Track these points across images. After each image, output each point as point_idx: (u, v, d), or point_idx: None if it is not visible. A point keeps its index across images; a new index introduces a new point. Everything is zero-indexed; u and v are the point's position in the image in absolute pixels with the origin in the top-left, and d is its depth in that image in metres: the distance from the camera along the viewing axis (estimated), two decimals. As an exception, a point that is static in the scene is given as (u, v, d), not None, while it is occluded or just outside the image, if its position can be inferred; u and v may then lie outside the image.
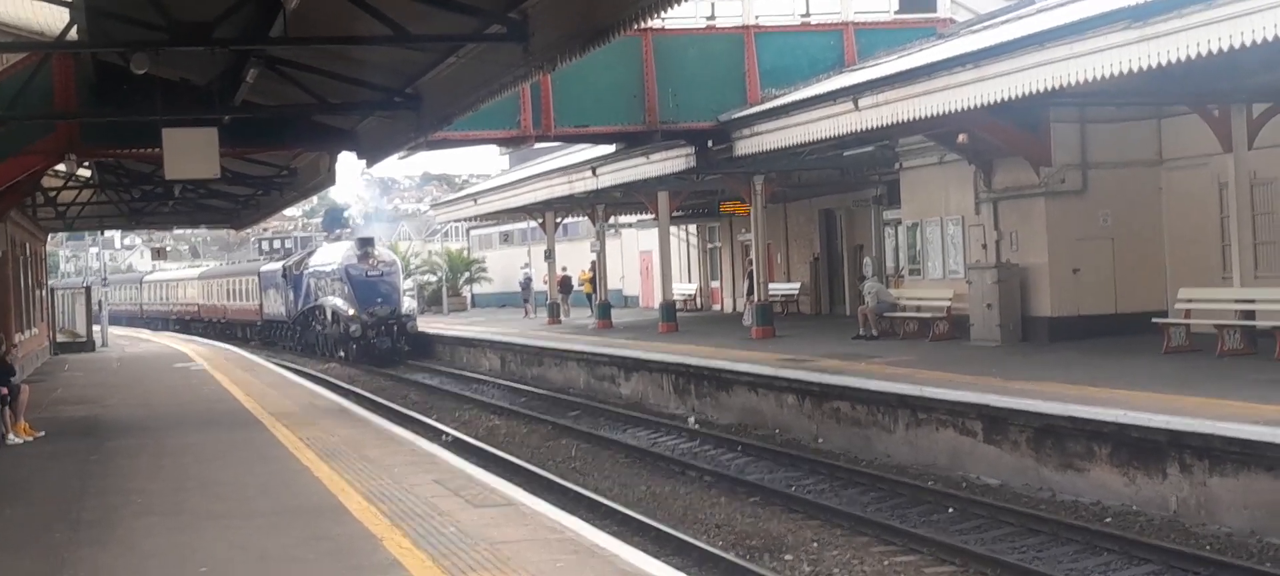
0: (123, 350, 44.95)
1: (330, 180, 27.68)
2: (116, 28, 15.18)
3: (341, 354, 45.31)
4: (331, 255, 49.17)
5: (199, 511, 12.62)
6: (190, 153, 16.49)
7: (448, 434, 24.10)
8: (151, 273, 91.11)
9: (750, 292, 34.83)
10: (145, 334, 64.50)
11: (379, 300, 45.03)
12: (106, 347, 46.38)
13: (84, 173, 29.20)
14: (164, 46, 14.10)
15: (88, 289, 51.83)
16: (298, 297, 52.00)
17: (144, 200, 34.00)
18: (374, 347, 43.80)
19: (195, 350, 43.82)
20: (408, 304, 47.39)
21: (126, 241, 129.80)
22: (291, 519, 11.94)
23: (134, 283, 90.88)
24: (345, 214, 62.52)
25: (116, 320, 79.83)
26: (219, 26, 13.69)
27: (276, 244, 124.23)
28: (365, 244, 46.99)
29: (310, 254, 54.03)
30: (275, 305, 55.94)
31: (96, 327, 48.06)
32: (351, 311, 44.49)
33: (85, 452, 17.28)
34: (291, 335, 53.81)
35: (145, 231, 78.07)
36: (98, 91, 19.16)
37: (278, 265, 57.87)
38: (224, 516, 12.27)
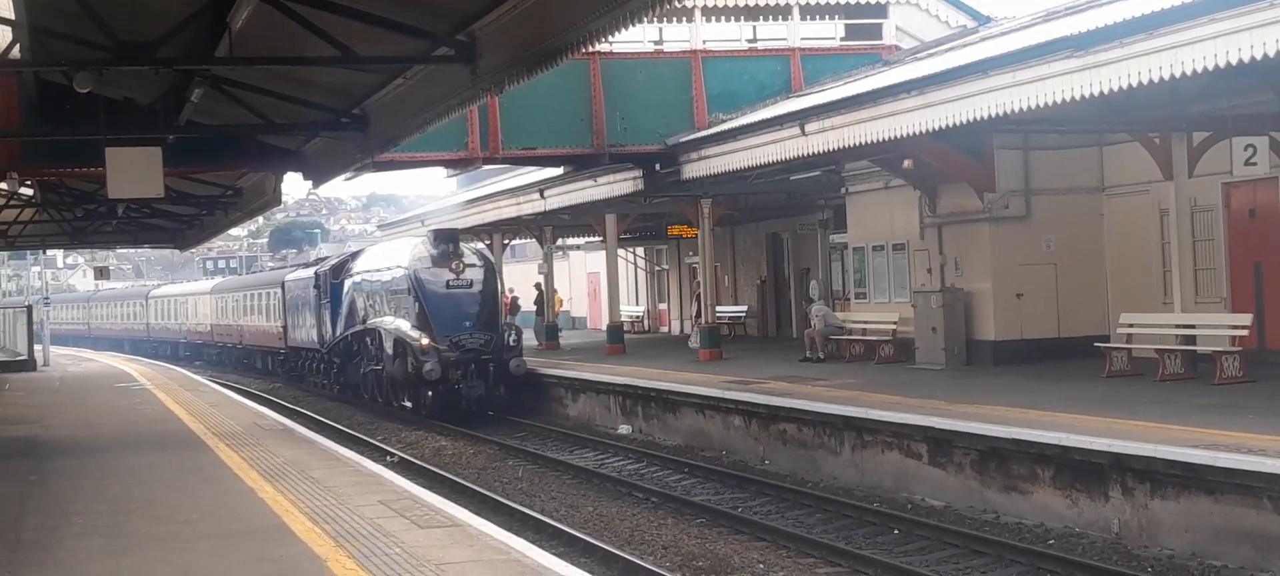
0: (64, 370, 44.49)
1: (276, 200, 27.53)
2: (60, 46, 15.08)
3: (406, 402, 31.82)
4: (390, 255, 34.36)
5: (141, 533, 12.51)
6: (134, 172, 16.35)
7: (393, 454, 24.02)
8: (159, 288, 77.74)
9: (698, 315, 34.89)
10: (87, 353, 63.79)
11: (467, 324, 30.77)
12: (47, 367, 45.92)
13: (26, 191, 28.90)
14: (108, 65, 14.01)
15: (29, 309, 51.32)
16: (336, 317, 37.49)
17: (87, 219, 33.66)
18: (459, 396, 30.00)
19: (138, 370, 43.41)
20: (510, 323, 33.40)
21: (68, 260, 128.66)
22: (235, 540, 11.85)
23: (139, 298, 77.34)
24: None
25: (118, 344, 73.78)
26: (163, 46, 13.61)
27: (221, 264, 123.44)
28: (445, 240, 32.05)
29: (355, 255, 39.44)
30: (304, 328, 41.41)
31: (38, 347, 47.63)
32: (424, 341, 29.99)
33: (25, 472, 17.08)
34: (326, 370, 39.43)
35: (88, 250, 76.21)
36: (40, 110, 18.98)
37: (308, 271, 42.48)
38: (166, 538, 12.16)
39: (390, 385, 32.63)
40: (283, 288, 44.76)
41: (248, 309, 50.67)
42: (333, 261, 40.57)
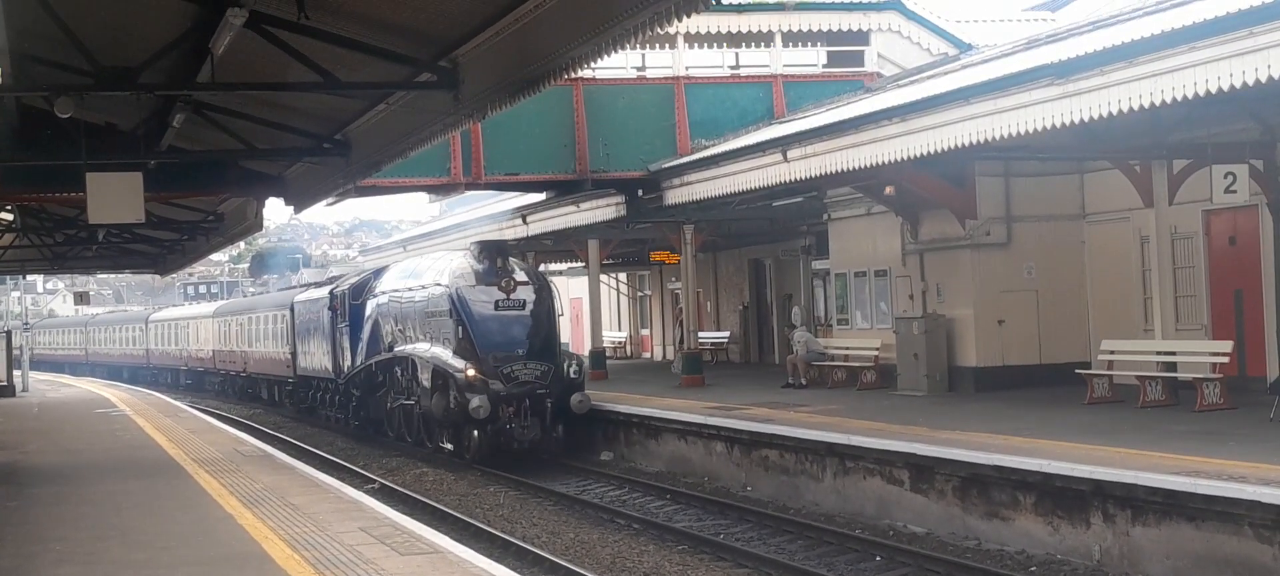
0: (43, 395, 44.29)
1: (257, 225, 27.45)
2: (41, 71, 15.03)
3: (446, 443, 27.12)
4: (424, 272, 29.49)
5: (119, 560, 12.42)
6: (115, 197, 16.31)
7: (375, 481, 23.90)
8: (159, 311, 73.27)
9: (680, 341, 34.86)
10: (67, 379, 63.41)
11: (520, 352, 26.06)
12: (26, 393, 45.70)
13: (6, 216, 28.82)
14: (89, 91, 13.97)
15: (8, 334, 51.06)
16: (356, 343, 32.72)
17: (67, 244, 33.58)
18: (512, 437, 25.53)
19: (117, 396, 43.21)
20: (570, 353, 29.63)
21: (49, 285, 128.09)
22: (214, 568, 11.78)
23: (138, 323, 73.21)
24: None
25: (117, 371, 71.27)
26: (145, 71, 13.59)
27: (202, 289, 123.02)
28: (491, 252, 27.29)
29: (379, 272, 33.98)
30: (317, 354, 36.61)
31: (17, 372, 47.39)
32: (470, 372, 25.40)
33: (2, 499, 16.97)
34: (343, 402, 34.53)
35: (68, 276, 75.41)
36: (21, 135, 18.93)
37: (321, 292, 37.29)
38: (145, 565, 12.08)
39: (425, 423, 28.10)
40: (291, 310, 39.74)
41: (253, 334, 46.08)
42: (352, 280, 35.26)
